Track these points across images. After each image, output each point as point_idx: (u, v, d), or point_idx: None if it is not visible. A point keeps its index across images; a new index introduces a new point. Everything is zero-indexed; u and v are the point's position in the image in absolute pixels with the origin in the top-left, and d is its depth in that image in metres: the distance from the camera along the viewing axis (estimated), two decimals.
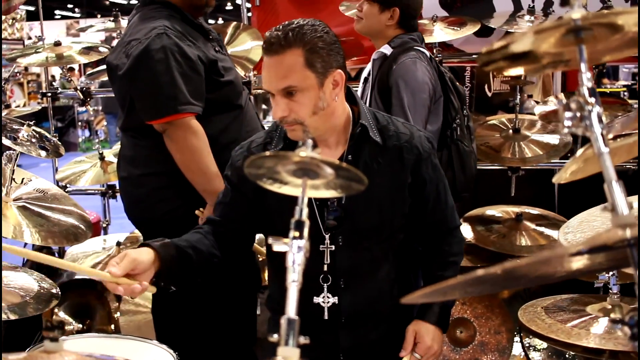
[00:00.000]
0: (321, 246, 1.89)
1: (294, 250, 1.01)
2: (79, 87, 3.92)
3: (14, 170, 2.49)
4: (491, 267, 0.87)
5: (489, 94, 4.49)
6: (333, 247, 1.88)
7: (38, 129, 2.71)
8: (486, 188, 3.75)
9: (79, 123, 12.89)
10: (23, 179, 2.62)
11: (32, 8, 20.56)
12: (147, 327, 3.45)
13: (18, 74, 13.57)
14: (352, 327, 1.94)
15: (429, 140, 1.96)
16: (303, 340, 0.97)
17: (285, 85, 1.75)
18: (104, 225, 4.51)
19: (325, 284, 1.89)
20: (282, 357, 0.94)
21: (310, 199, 1.85)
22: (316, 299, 1.90)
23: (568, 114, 0.92)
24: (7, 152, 2.45)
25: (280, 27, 1.77)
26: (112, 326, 3.83)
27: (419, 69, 2.65)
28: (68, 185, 4.06)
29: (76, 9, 23.48)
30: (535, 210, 3.52)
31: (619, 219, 0.89)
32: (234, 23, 3.75)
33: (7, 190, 2.44)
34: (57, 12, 22.75)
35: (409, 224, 1.98)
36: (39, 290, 2.13)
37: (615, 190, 0.91)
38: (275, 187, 1.18)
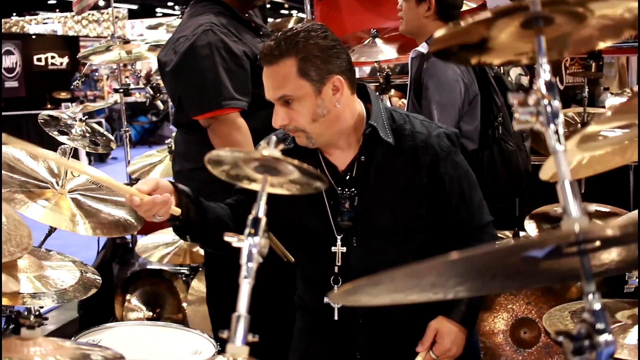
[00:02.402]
0: (333, 247, 1.89)
1: (249, 248, 1.00)
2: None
3: None
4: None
5: (561, 87, 4.28)
6: (345, 248, 1.87)
7: (93, 124, 2.82)
8: (554, 185, 3.58)
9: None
10: None
11: (134, 7, 21.44)
12: None
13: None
14: (370, 329, 1.92)
15: (449, 138, 1.89)
16: (251, 338, 0.96)
17: (280, 94, 1.77)
18: None
19: (335, 286, 1.88)
20: (231, 355, 0.93)
21: (323, 200, 1.88)
22: (326, 300, 1.89)
23: (524, 109, 0.87)
24: (61, 146, 2.57)
25: (276, 35, 1.78)
26: (181, 315, 3.93)
27: (449, 67, 2.58)
28: (140, 178, 4.19)
29: (176, 7, 24.22)
30: (606, 208, 3.33)
31: (569, 222, 0.83)
32: (295, 17, 3.76)
33: (62, 182, 2.55)
34: (158, 10, 23.58)
35: (431, 225, 1.93)
36: (80, 278, 2.20)
37: (569, 191, 0.85)
38: (245, 184, 1.18)
